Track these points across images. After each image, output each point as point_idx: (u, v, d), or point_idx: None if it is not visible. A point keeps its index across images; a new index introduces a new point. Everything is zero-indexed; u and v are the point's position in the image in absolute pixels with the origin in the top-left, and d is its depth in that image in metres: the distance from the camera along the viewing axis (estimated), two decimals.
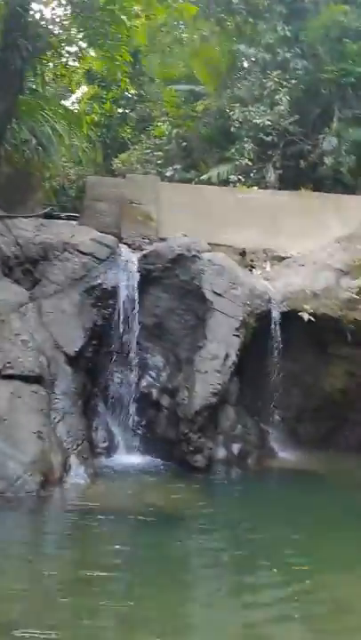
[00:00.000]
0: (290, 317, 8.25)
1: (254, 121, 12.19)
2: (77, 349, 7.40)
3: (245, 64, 13.47)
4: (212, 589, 4.29)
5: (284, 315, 8.28)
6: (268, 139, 12.22)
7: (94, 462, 7.05)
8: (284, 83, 12.27)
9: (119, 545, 5.05)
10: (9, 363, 6.63)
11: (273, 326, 8.25)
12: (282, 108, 12.10)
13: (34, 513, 5.67)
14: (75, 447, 6.75)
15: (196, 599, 4.20)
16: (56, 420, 6.79)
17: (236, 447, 7.78)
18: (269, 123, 12.11)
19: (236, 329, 7.89)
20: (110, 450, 7.69)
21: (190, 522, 5.59)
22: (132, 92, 16.08)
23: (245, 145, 12.35)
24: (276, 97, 12.19)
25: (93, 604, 3.87)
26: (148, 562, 4.64)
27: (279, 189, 11.38)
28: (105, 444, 7.66)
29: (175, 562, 4.69)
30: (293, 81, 12.33)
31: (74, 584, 4.23)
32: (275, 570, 4.36)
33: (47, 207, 10.18)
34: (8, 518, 5.53)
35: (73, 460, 6.62)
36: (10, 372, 6.59)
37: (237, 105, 12.56)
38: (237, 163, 12.34)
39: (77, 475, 6.53)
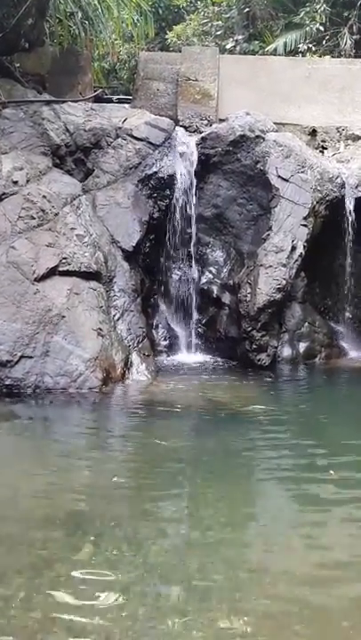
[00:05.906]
0: None
1: None
2: (134, 244, 7.14)
3: None
4: (276, 486, 4.23)
5: (359, 201, 7.62)
6: None
7: (156, 360, 7.02)
8: None
9: (183, 440, 5.03)
10: (65, 259, 6.46)
11: (346, 214, 7.63)
12: None
13: (97, 408, 5.70)
14: (135, 344, 6.69)
15: (259, 493, 4.19)
16: (115, 318, 6.69)
17: (302, 346, 7.53)
18: None
19: (305, 218, 7.32)
20: (171, 348, 7.63)
21: (255, 419, 5.48)
22: None
23: (317, 6, 10.94)
24: None
25: (157, 496, 3.88)
26: (213, 457, 4.60)
27: (356, 57, 10.11)
28: (166, 343, 7.61)
29: (239, 457, 4.63)
30: None
31: (137, 479, 4.24)
32: (332, 471, 4.20)
33: (97, 90, 9.54)
34: (72, 413, 5.59)
35: (134, 357, 6.57)
36: (66, 268, 6.43)
37: None
38: (307, 29, 11.05)
39: (139, 372, 6.49)
